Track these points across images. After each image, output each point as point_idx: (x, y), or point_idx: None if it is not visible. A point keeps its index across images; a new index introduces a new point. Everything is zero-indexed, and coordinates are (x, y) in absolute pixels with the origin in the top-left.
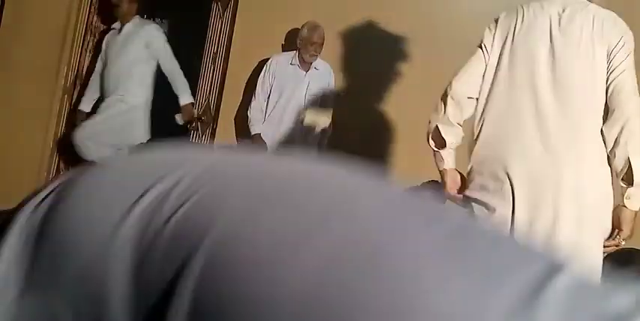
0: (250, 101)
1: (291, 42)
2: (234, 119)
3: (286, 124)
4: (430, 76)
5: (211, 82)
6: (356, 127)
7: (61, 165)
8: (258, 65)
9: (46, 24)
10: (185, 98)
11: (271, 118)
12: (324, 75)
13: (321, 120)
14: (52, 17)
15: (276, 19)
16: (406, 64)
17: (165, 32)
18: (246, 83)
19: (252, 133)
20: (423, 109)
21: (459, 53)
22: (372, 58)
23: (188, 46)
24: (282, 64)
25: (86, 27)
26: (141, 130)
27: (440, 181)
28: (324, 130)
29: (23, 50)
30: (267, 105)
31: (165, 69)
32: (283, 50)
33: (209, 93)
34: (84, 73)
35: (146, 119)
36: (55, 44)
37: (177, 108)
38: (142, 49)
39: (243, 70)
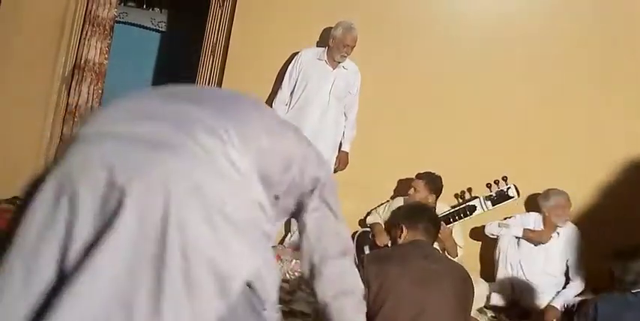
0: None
1: (295, 33)
2: None
3: (307, 117)
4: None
5: (210, 72)
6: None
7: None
8: (260, 57)
9: (44, 13)
10: None
11: (293, 110)
12: (351, 75)
13: None
14: (50, 6)
15: (276, 9)
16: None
17: (164, 22)
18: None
19: None
20: None
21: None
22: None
23: (187, 36)
24: (310, 58)
25: (85, 16)
26: None
27: None
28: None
29: (21, 39)
30: (291, 97)
31: None
32: (281, 41)
33: (208, 83)
34: (82, 62)
35: None
36: (53, 33)
37: None
38: None
39: (242, 60)
